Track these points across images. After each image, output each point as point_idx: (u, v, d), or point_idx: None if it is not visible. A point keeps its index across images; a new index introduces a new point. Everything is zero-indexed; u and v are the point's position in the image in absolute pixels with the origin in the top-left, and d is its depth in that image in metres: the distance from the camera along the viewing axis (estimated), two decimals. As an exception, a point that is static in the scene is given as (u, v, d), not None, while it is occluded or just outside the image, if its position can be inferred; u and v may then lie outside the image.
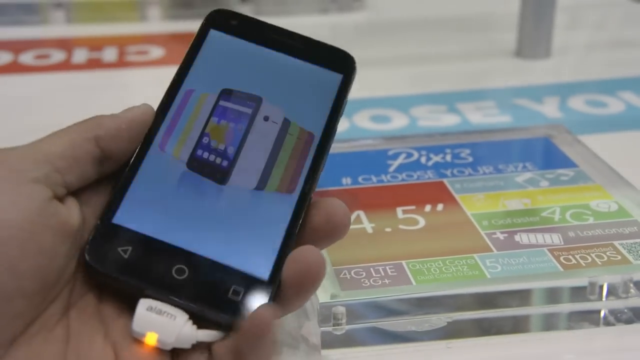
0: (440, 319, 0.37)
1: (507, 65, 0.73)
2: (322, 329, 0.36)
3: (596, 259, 0.39)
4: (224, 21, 0.37)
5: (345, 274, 0.38)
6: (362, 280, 0.38)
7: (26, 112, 0.64)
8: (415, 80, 0.70)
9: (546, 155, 0.50)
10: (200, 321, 0.30)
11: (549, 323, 0.38)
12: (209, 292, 0.31)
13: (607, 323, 0.38)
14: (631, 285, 0.38)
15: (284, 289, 0.31)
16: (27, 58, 0.76)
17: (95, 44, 0.80)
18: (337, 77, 0.36)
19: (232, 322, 0.30)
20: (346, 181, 0.47)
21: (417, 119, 0.61)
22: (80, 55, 0.77)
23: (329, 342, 0.36)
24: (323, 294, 0.36)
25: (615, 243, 0.40)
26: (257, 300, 0.30)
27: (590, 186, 0.46)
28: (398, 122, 0.61)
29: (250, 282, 0.31)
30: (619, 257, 0.39)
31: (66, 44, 0.80)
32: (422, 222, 0.43)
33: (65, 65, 0.74)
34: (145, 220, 0.32)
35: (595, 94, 0.66)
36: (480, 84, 0.69)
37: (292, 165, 0.34)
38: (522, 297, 0.38)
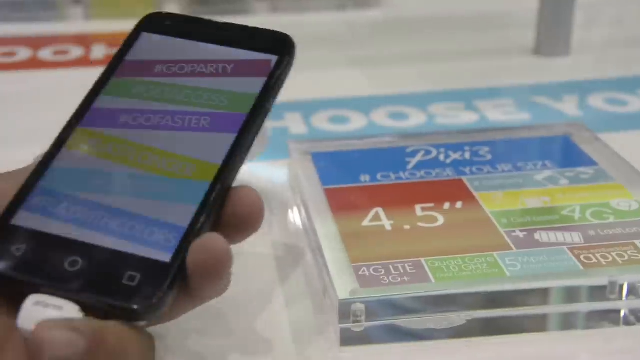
0: (459, 317, 0.37)
1: (525, 62, 0.73)
2: (340, 325, 0.36)
3: (617, 258, 0.39)
4: (157, 24, 0.37)
5: (364, 270, 0.38)
6: (381, 277, 0.37)
7: (45, 107, 0.65)
8: (433, 77, 0.70)
9: (566, 154, 0.50)
10: (97, 312, 0.29)
11: (568, 322, 0.38)
12: (101, 279, 0.30)
13: (627, 323, 0.38)
14: (652, 284, 0.37)
15: (191, 278, 0.31)
16: (45, 54, 0.76)
17: (113, 40, 0.80)
18: (272, 59, 0.36)
19: (127, 308, 0.29)
20: (364, 178, 0.47)
21: (435, 117, 0.61)
22: (98, 51, 0.77)
23: (348, 339, 0.36)
24: (342, 290, 0.36)
25: (636, 242, 0.40)
26: (154, 284, 0.30)
27: (610, 185, 0.45)
28: (416, 119, 0.61)
29: (147, 266, 0.30)
30: (640, 257, 0.39)
31: (84, 40, 0.80)
32: (441, 219, 0.42)
33: (84, 61, 0.75)
34: (39, 216, 0.32)
35: (615, 92, 0.66)
36: (499, 82, 0.69)
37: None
38: (541, 295, 0.37)
